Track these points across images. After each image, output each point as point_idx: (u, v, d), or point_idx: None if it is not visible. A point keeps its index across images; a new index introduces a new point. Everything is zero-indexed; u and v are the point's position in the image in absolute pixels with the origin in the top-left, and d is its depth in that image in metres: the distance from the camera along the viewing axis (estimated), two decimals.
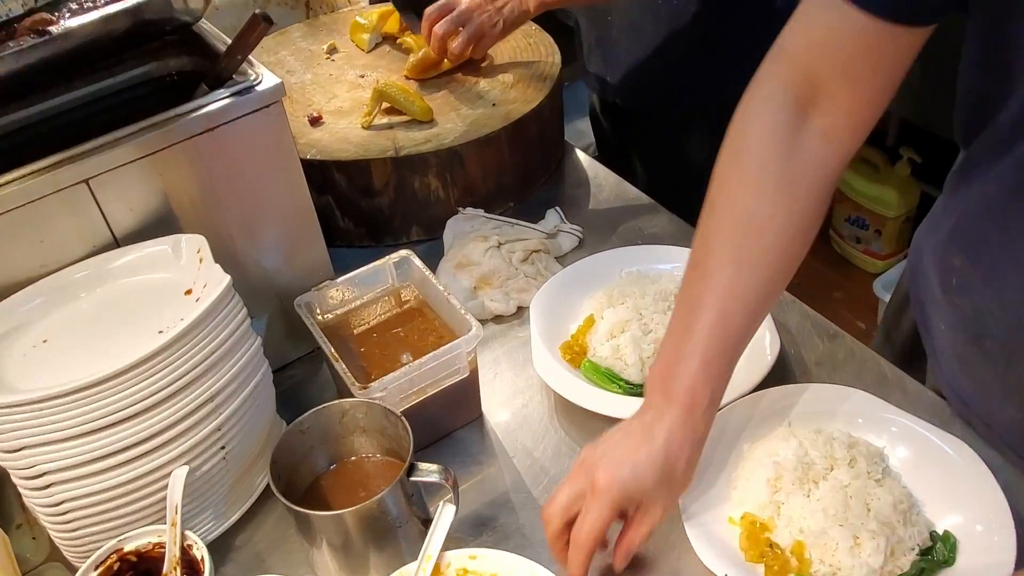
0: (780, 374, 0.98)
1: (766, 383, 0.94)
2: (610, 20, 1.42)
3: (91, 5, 1.02)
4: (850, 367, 1.00)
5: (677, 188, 1.36)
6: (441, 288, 0.98)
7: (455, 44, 1.27)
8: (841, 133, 0.74)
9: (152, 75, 1.01)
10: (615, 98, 1.50)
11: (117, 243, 0.89)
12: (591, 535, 0.73)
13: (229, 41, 0.96)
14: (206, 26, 1.01)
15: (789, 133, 0.74)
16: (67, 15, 1.01)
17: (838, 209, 2.62)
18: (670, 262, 1.11)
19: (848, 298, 2.53)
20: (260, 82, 0.91)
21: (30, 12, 1.03)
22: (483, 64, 1.37)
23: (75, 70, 0.96)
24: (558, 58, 1.35)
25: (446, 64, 1.34)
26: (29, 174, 0.81)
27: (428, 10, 1.28)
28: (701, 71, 1.38)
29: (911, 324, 1.01)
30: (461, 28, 1.27)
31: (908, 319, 1.03)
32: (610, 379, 0.97)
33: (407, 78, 1.34)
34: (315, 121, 1.26)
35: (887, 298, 2.33)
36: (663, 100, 1.43)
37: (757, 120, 0.75)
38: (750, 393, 0.92)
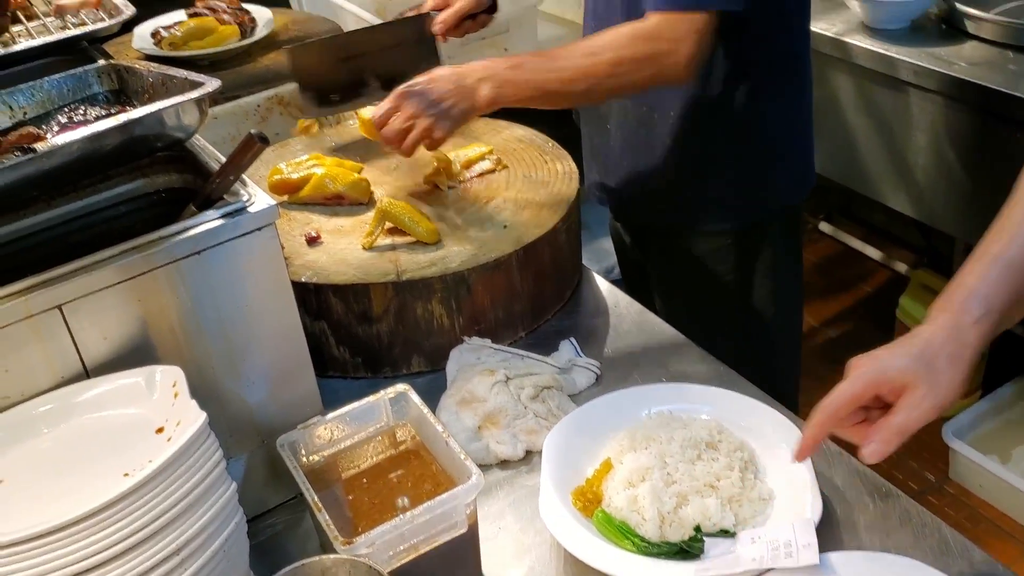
0: (824, 539, 0.97)
1: None
2: (609, 128, 1.52)
3: (82, 119, 1.10)
4: (906, 532, 0.99)
5: (703, 320, 1.42)
6: (440, 429, 1.00)
7: (402, 147, 1.35)
8: None
9: (139, 193, 1.07)
10: (618, 213, 1.59)
11: (87, 374, 0.92)
12: (828, 400, 0.87)
13: (222, 158, 1.03)
14: (199, 142, 1.07)
15: None
16: (56, 129, 1.09)
17: None
18: (704, 404, 1.12)
19: (914, 445, 2.49)
20: (252, 203, 0.96)
21: (18, 125, 1.11)
22: (497, 171, 1.44)
23: (59, 187, 1.02)
24: (576, 176, 1.41)
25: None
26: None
27: (374, 116, 1.38)
28: (707, 192, 1.46)
29: None
30: (409, 135, 1.34)
31: None
32: (624, 534, 0.97)
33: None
34: (313, 241, 1.31)
35: (960, 447, 2.31)
36: (667, 218, 1.51)
37: None
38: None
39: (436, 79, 1.34)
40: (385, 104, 1.37)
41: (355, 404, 1.05)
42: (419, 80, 1.35)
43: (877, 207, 2.59)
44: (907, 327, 2.56)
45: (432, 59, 1.54)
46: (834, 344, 2.90)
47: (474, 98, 1.32)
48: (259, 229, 0.96)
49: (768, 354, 1.60)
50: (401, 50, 1.54)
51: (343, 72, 1.55)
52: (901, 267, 3.08)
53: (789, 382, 1.67)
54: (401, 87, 1.36)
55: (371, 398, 1.06)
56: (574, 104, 1.37)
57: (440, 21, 1.55)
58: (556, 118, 1.42)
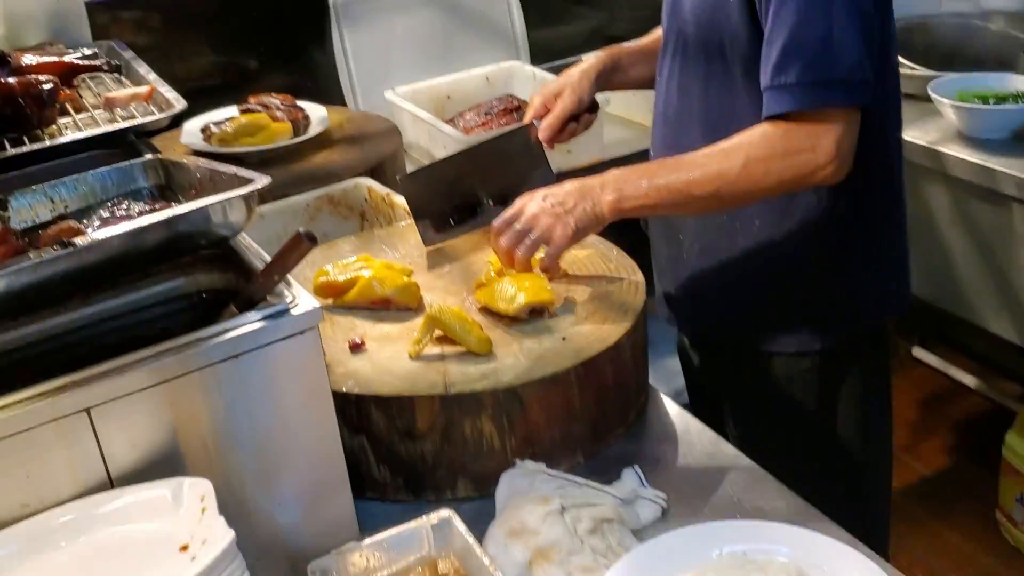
0: None
1: None
2: (682, 239, 1.53)
3: (124, 214, 1.15)
4: None
5: (780, 451, 1.39)
6: (487, 562, 0.98)
7: (520, 251, 1.36)
8: None
9: (178, 292, 1.11)
10: (688, 329, 1.58)
11: (111, 483, 0.94)
12: None
13: (267, 257, 1.06)
14: (244, 240, 1.11)
15: None
16: (97, 224, 1.14)
17: (1006, 485, 2.54)
18: (783, 545, 1.08)
19: None
20: (296, 305, 0.99)
21: (59, 219, 1.16)
22: (556, 278, 1.45)
23: (97, 284, 1.06)
24: (643, 287, 1.42)
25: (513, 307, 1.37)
26: (26, 399, 0.88)
27: (495, 224, 1.40)
28: (790, 308, 1.46)
29: None
30: (528, 237, 1.36)
31: None
32: None
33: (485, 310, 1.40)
34: (356, 348, 1.33)
35: None
36: (743, 336, 1.50)
37: None
38: None
39: (557, 186, 1.38)
40: (506, 212, 1.38)
41: (394, 530, 1.05)
42: (540, 190, 1.38)
43: (977, 332, 2.54)
44: (1014, 468, 2.48)
45: (543, 168, 1.59)
46: (930, 484, 2.81)
47: (597, 198, 1.35)
48: (301, 333, 0.98)
49: (854, 491, 1.55)
50: (510, 164, 1.59)
51: (456, 195, 1.60)
52: (1006, 399, 3.00)
53: (879, 524, 1.62)
54: (521, 197, 1.38)
55: (412, 524, 1.05)
56: (700, 210, 1.39)
57: (544, 128, 1.60)
58: (623, 224, 1.43)
